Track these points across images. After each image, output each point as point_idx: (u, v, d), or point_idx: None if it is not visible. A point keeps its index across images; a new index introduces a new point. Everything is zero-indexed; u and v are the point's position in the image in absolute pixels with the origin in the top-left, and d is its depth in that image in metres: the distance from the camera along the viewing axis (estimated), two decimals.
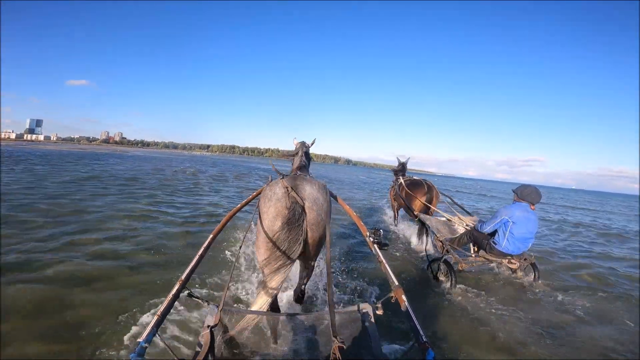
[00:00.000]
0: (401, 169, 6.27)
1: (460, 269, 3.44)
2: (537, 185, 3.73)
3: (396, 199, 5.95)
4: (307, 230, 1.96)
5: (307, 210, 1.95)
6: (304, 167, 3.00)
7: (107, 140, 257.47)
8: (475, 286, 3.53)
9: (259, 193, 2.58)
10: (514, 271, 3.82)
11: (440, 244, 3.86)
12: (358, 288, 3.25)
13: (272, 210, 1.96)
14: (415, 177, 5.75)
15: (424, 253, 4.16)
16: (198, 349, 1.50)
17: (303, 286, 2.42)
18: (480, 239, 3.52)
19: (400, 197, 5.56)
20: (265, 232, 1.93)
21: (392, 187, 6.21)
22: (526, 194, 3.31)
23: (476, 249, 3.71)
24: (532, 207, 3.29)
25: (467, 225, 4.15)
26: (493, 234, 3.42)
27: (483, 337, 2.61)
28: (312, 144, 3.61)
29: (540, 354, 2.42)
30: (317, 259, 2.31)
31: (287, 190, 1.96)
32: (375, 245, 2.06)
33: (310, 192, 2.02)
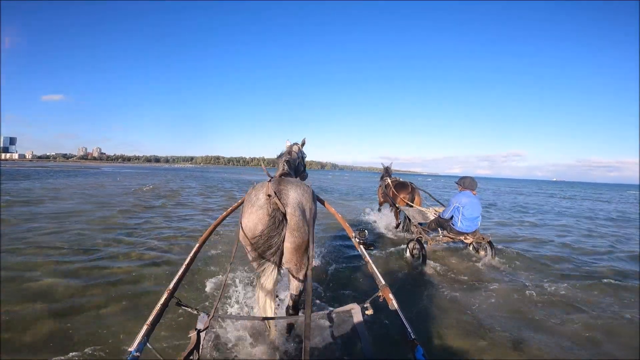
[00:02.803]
0: (386, 172, 7.42)
1: (430, 244, 4.51)
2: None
3: (383, 196, 7.10)
4: (286, 236, 1.96)
5: (288, 217, 1.96)
6: (287, 175, 2.73)
7: (85, 157, 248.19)
8: (457, 272, 4.13)
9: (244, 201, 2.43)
10: (477, 251, 4.93)
11: (415, 228, 4.95)
12: (347, 288, 3.44)
13: (254, 216, 1.99)
14: (401, 179, 6.86)
15: (402, 234, 5.19)
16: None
17: (294, 298, 2.27)
18: (443, 223, 4.61)
19: (387, 195, 6.71)
20: (245, 235, 2.00)
21: (380, 186, 7.35)
22: (467, 183, 4.44)
23: (441, 231, 4.81)
24: (473, 192, 4.41)
25: (435, 213, 5.27)
26: (452, 218, 4.52)
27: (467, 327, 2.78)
28: (302, 144, 3.31)
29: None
30: (306, 268, 2.12)
31: (270, 198, 1.96)
32: (362, 246, 2.09)
33: (293, 198, 2.01)
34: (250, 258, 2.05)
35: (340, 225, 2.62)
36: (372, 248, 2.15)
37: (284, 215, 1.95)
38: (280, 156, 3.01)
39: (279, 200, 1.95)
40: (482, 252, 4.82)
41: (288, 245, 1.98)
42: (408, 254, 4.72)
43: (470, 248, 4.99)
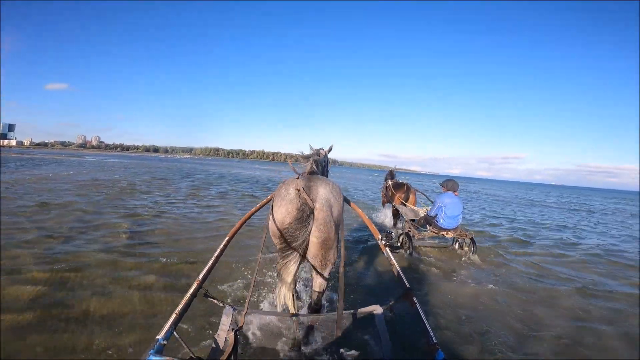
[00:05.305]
0: (389, 174, 8.07)
1: (417, 238, 5.28)
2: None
3: (385, 196, 7.82)
4: (313, 230, 2.00)
5: (316, 212, 2.01)
6: (315, 173, 2.69)
7: (84, 145, 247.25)
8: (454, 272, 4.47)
9: (274, 196, 2.48)
10: (461, 247, 5.62)
11: (407, 223, 5.73)
12: (369, 289, 3.47)
13: (283, 209, 2.06)
14: (399, 180, 7.62)
15: (395, 230, 5.97)
16: (214, 345, 1.55)
17: (317, 296, 2.27)
18: (429, 220, 5.39)
19: (387, 195, 7.49)
20: (275, 224, 2.05)
21: (382, 187, 8.07)
22: (450, 185, 5.18)
23: (428, 227, 5.59)
24: (455, 193, 5.15)
25: (425, 211, 6.06)
26: (437, 215, 5.29)
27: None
28: (329, 150, 3.29)
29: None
30: (330, 266, 2.18)
31: (299, 192, 2.02)
32: (387, 248, 2.10)
33: (322, 194, 2.07)
34: (277, 250, 2.09)
35: (355, 225, 2.54)
36: (398, 251, 2.30)
37: (312, 210, 2.00)
38: (307, 157, 3.02)
39: (308, 196, 2.02)
40: (465, 248, 5.49)
41: (314, 240, 2.03)
42: (398, 246, 5.50)
43: (456, 245, 5.63)
